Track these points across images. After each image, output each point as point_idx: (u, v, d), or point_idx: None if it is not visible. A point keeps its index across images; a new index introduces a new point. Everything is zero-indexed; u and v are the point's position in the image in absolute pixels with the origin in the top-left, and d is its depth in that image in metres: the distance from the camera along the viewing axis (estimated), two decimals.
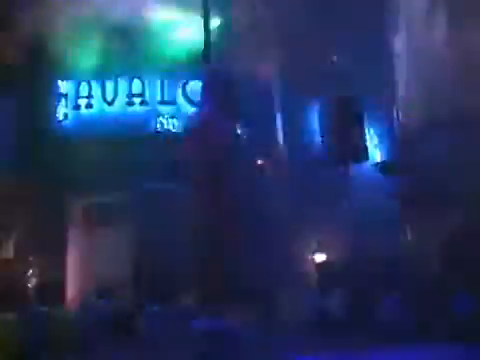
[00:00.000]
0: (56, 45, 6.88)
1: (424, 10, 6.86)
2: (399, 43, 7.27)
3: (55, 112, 7.58)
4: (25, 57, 6.91)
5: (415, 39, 6.96)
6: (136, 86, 7.73)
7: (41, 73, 7.18)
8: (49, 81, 7.48)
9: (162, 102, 7.69)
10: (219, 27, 7.04)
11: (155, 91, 7.77)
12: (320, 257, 7.16)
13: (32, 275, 6.73)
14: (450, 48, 6.19)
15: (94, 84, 7.69)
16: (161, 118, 7.65)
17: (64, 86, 7.64)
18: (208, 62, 4.92)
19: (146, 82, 7.74)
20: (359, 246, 6.33)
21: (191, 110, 7.13)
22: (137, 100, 7.70)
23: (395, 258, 6.02)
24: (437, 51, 6.36)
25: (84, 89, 7.69)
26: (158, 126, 7.65)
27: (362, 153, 6.70)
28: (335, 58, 7.21)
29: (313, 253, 7.16)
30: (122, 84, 7.73)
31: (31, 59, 6.99)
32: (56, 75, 7.53)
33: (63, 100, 7.63)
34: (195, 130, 3.57)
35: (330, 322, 5.75)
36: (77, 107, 7.70)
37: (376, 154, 7.61)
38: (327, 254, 7.06)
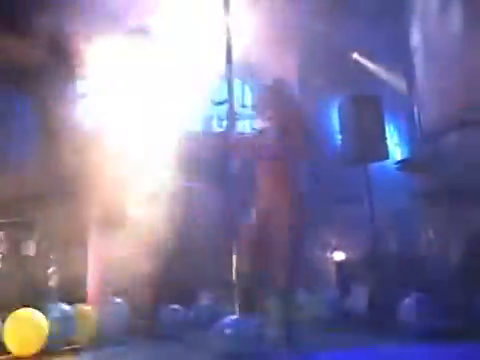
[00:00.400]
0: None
1: (444, 8, 6.81)
2: (419, 41, 7.21)
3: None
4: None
5: (435, 37, 6.91)
6: None
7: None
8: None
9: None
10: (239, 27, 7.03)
11: None
12: (340, 256, 7.16)
13: (54, 273, 6.77)
14: (471, 46, 6.13)
15: None
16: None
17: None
18: (230, 63, 4.93)
19: None
20: (380, 245, 6.31)
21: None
22: None
23: (417, 257, 5.99)
24: (458, 49, 6.30)
25: None
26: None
27: (382, 151, 6.64)
28: (355, 56, 7.20)
29: (333, 252, 7.16)
30: None
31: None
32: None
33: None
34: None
35: (351, 320, 5.76)
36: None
37: (396, 152, 7.58)
38: (347, 253, 7.06)
